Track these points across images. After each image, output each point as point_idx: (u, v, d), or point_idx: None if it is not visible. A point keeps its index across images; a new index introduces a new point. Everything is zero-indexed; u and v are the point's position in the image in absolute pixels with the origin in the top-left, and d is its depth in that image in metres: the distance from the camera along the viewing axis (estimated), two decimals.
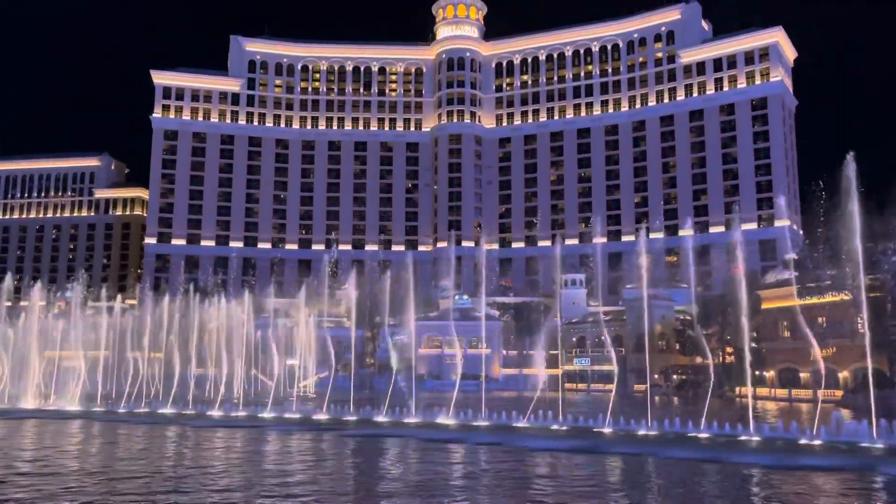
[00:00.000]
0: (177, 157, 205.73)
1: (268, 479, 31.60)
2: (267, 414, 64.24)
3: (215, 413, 65.44)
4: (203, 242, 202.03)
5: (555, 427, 50.70)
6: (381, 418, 58.63)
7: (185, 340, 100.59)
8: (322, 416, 61.76)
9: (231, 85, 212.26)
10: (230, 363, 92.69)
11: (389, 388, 66.59)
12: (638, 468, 36.11)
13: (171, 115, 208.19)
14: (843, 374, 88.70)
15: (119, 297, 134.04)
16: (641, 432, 47.37)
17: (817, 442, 41.26)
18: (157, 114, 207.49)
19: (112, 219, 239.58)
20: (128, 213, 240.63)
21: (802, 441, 41.87)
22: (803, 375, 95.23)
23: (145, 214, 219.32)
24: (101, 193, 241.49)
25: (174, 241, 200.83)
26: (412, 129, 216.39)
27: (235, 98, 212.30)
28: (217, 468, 35.23)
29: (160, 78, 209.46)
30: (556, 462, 38.07)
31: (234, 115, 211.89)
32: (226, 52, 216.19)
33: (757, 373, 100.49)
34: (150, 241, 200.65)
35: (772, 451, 39.85)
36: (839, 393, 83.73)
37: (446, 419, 55.85)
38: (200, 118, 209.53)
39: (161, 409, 70.18)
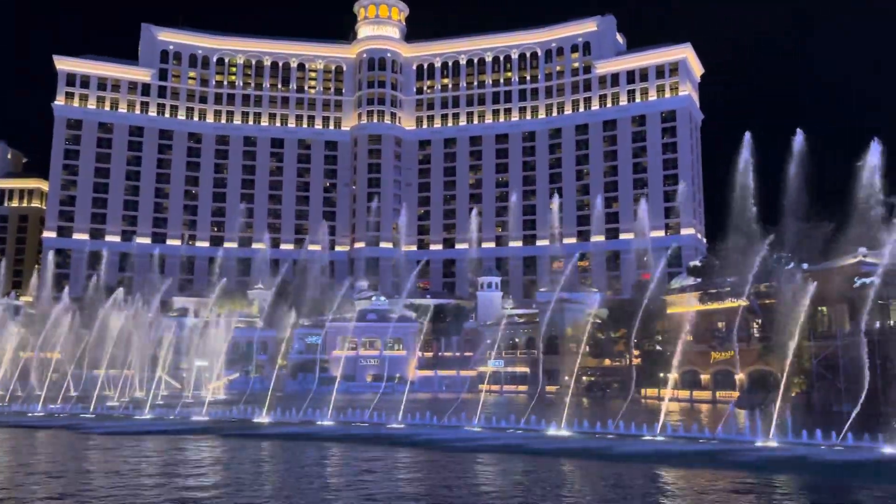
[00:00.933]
0: (80, 147, 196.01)
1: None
2: (147, 416, 62.54)
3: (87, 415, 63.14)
4: (108, 238, 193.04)
5: (424, 424, 52.58)
6: (262, 419, 58.35)
7: (81, 340, 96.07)
8: (203, 417, 60.75)
9: (141, 75, 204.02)
10: (132, 364, 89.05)
11: (309, 389, 65.70)
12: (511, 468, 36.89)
13: (76, 104, 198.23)
14: (740, 377, 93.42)
15: (13, 293, 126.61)
16: (552, 433, 48.45)
17: (714, 441, 43.35)
18: (59, 101, 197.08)
19: (7, 210, 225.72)
20: (25, 204, 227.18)
21: (701, 440, 43.95)
22: (704, 377, 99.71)
23: (44, 207, 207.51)
24: None
25: (76, 236, 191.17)
26: (331, 127, 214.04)
27: (146, 89, 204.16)
28: None
29: (64, 64, 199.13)
30: (347, 455, 38.58)
31: (144, 106, 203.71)
32: (136, 40, 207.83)
33: (661, 375, 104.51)
34: (50, 234, 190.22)
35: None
36: (735, 394, 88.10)
37: (326, 420, 56.96)
38: (107, 108, 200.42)
39: (34, 412, 66.86)
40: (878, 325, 72.74)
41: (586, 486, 32.08)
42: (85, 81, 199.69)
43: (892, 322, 71.83)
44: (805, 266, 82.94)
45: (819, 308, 79.70)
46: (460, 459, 39.69)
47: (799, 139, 67.92)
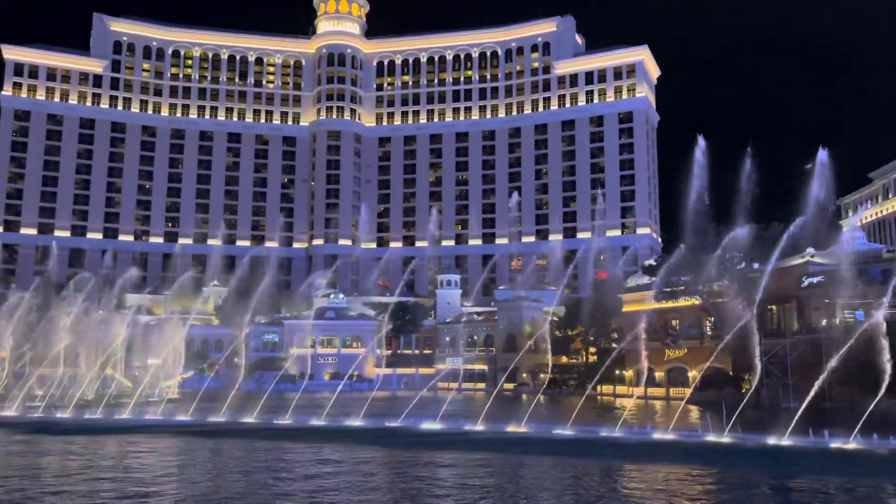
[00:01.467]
0: (29, 139, 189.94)
1: None
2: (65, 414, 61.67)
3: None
4: (57, 232, 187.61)
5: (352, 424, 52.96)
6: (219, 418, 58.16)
7: (29, 338, 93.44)
8: (126, 415, 60.35)
9: (93, 66, 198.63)
10: (81, 362, 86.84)
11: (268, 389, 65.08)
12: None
13: (24, 95, 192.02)
14: (693, 374, 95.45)
15: None
16: (510, 429, 48.86)
17: (669, 437, 44.32)
18: (6, 91, 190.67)
19: None
20: None
21: (656, 436, 44.91)
22: (658, 374, 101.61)
23: None
24: None
25: (24, 231, 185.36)
26: (290, 122, 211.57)
27: (98, 80, 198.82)
28: None
29: (12, 53, 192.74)
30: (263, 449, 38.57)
31: (96, 98, 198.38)
32: (88, 30, 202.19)
33: (617, 372, 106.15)
34: None
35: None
36: (688, 391, 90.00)
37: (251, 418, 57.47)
38: (57, 99, 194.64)
39: None
40: (824, 322, 75.15)
41: (547, 482, 32.47)
42: (34, 71, 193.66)
43: (837, 320, 74.24)
44: (756, 266, 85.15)
45: (769, 307, 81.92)
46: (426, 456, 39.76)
47: (748, 150, 69.74)
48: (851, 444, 39.49)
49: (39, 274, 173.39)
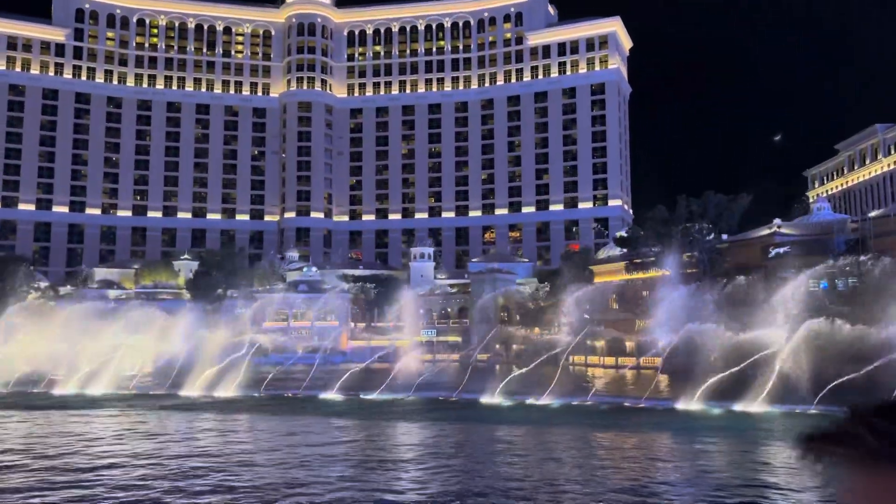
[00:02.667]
0: None
1: None
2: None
3: None
4: (21, 206, 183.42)
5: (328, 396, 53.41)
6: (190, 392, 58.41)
7: None
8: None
9: (55, 35, 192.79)
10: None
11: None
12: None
13: None
14: (663, 344, 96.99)
15: None
16: (484, 400, 49.50)
17: (641, 405, 45.27)
18: None
19: None
20: None
21: (627, 404, 45.89)
22: (629, 344, 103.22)
23: None
24: None
25: None
26: (259, 93, 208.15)
27: (60, 49, 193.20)
28: None
29: None
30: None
31: (59, 67, 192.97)
32: None
33: (588, 342, 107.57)
34: None
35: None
36: (657, 360, 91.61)
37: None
38: (18, 69, 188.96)
39: None
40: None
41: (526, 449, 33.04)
42: None
43: (802, 290, 75.82)
44: (724, 237, 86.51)
45: (736, 277, 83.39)
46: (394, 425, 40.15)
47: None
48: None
49: (3, 249, 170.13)
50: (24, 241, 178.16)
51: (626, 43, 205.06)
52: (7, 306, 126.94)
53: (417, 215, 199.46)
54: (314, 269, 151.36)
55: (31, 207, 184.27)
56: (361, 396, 53.11)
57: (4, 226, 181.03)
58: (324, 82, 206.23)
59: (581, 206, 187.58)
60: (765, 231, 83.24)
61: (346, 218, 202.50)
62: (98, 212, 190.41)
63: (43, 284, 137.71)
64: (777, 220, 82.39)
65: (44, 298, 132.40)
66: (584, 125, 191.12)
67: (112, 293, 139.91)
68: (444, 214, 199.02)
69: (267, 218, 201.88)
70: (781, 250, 79.66)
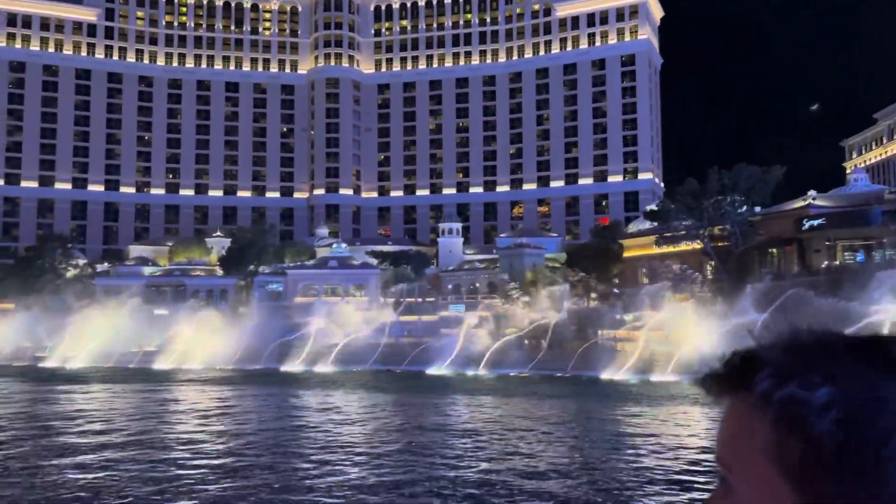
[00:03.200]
0: (25, 91, 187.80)
1: None
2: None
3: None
4: (58, 185, 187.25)
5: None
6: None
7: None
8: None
9: (86, 14, 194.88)
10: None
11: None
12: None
13: (18, 45, 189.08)
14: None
15: None
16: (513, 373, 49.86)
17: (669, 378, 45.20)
18: (0, 43, 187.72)
19: None
20: None
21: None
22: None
23: None
24: None
25: (24, 184, 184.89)
26: (287, 70, 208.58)
27: (92, 29, 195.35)
28: None
29: (4, 3, 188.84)
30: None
31: (91, 48, 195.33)
32: None
33: (618, 317, 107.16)
34: None
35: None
36: None
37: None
38: (52, 49, 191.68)
39: None
40: (825, 265, 75.50)
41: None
42: (27, 21, 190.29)
43: (838, 262, 74.58)
44: (757, 209, 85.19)
45: (769, 250, 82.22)
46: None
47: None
48: None
49: (42, 227, 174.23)
50: (62, 220, 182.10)
51: (657, 13, 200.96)
52: (47, 283, 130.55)
53: (445, 191, 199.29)
54: (344, 245, 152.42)
55: (68, 186, 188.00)
56: (392, 369, 53.77)
57: (42, 205, 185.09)
58: (351, 58, 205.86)
59: (611, 179, 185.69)
60: (799, 203, 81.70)
61: (374, 194, 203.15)
62: (132, 190, 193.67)
63: (81, 261, 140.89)
64: (812, 192, 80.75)
65: (82, 275, 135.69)
66: (614, 97, 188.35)
67: (147, 270, 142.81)
68: (473, 189, 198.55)
69: (296, 195, 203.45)
70: (816, 222, 78.17)
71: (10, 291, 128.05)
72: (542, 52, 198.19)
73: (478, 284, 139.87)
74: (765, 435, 1.03)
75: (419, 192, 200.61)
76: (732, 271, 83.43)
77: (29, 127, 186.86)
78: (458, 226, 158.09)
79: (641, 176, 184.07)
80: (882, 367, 1.00)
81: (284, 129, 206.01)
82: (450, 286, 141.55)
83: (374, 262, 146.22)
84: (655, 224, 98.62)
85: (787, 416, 1.00)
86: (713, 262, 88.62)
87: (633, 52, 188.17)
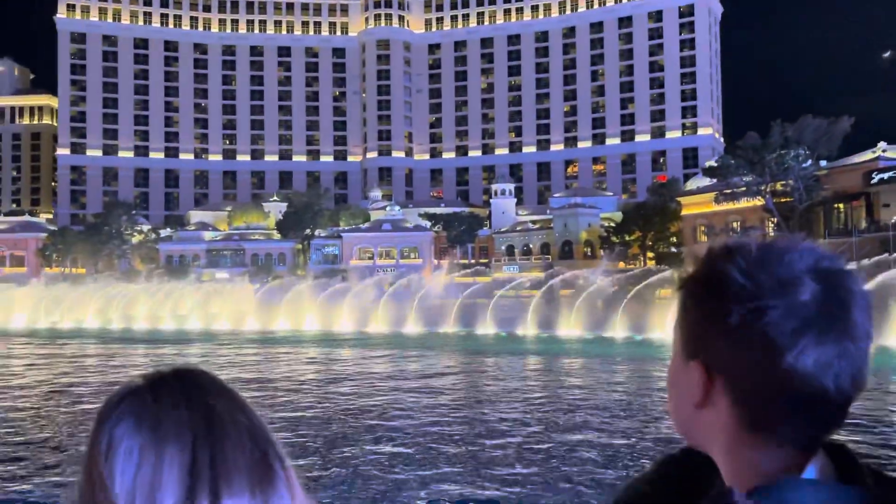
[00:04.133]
0: (86, 61, 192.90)
1: None
2: None
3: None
4: (121, 153, 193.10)
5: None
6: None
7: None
8: None
9: None
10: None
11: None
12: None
13: (77, 16, 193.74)
14: None
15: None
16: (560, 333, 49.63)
17: None
18: (61, 14, 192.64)
19: (20, 128, 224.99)
20: (36, 122, 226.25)
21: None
22: None
23: (55, 124, 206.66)
24: (6, 101, 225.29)
25: (89, 153, 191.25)
26: (338, 33, 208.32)
27: None
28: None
29: None
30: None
31: (147, 16, 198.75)
32: None
33: (676, 276, 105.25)
34: (63, 152, 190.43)
35: None
36: None
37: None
38: (110, 20, 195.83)
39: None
40: (894, 220, 72.22)
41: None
42: None
43: None
44: (823, 163, 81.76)
45: (835, 205, 79.05)
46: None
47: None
48: None
49: (107, 195, 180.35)
50: (126, 187, 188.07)
51: None
52: (115, 248, 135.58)
53: (498, 151, 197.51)
54: (397, 207, 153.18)
55: (130, 154, 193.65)
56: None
57: (107, 173, 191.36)
58: (401, 18, 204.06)
59: (669, 135, 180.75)
60: (868, 155, 78.00)
61: (426, 156, 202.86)
62: (191, 157, 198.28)
63: (145, 227, 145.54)
64: (882, 144, 76.88)
65: (146, 241, 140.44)
66: (672, 50, 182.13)
67: (207, 234, 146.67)
68: (525, 149, 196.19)
69: (350, 159, 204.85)
70: (886, 175, 74.56)
71: (80, 257, 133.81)
72: (596, 6, 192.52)
73: (531, 245, 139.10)
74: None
75: (471, 153, 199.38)
76: (795, 228, 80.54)
77: (92, 97, 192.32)
78: (510, 186, 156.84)
79: (700, 131, 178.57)
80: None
81: (337, 93, 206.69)
82: (503, 247, 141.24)
83: (427, 224, 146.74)
84: (715, 181, 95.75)
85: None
86: (775, 219, 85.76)
87: (692, 1, 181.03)
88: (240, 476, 1.10)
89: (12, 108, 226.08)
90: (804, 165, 78.46)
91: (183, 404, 1.13)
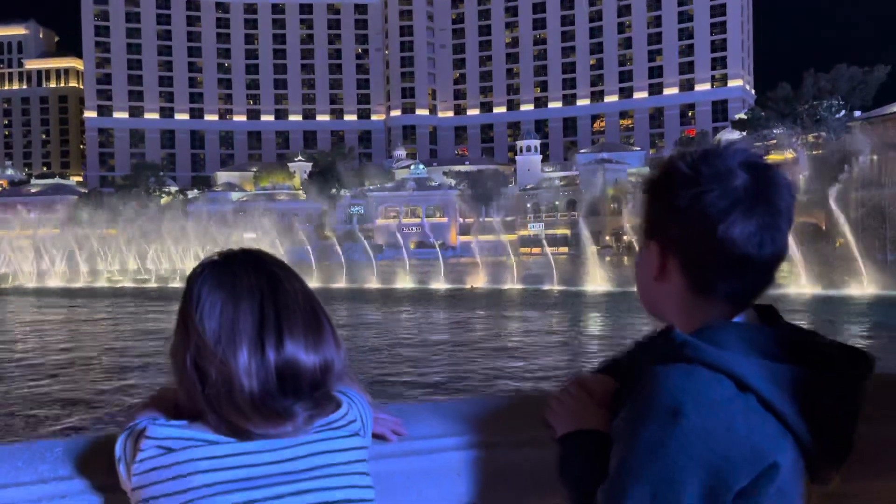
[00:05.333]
0: (110, 23, 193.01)
1: None
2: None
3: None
4: (147, 115, 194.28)
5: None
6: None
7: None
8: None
9: None
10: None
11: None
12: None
13: None
14: None
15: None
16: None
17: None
18: None
19: (47, 91, 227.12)
20: (62, 84, 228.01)
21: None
22: None
23: (81, 86, 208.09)
24: (32, 64, 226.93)
25: (116, 115, 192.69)
26: None
27: None
28: None
29: None
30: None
31: None
32: None
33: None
34: (91, 114, 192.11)
35: None
36: None
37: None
38: None
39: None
40: None
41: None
42: None
43: None
44: (857, 114, 79.65)
45: (869, 156, 77.17)
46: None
47: None
48: None
49: (134, 157, 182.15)
50: (153, 149, 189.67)
51: None
52: (144, 210, 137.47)
53: (523, 107, 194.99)
54: (421, 166, 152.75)
55: (156, 116, 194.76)
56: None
57: (134, 135, 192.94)
58: None
59: (698, 88, 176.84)
60: None
61: (450, 113, 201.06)
62: (216, 118, 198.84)
63: (173, 189, 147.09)
64: None
65: (174, 202, 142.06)
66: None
67: (234, 195, 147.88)
68: (551, 105, 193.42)
69: (374, 117, 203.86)
70: None
71: (110, 218, 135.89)
72: None
73: (557, 202, 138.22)
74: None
75: (496, 110, 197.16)
76: (827, 181, 78.98)
77: (116, 59, 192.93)
78: (536, 142, 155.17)
79: (731, 83, 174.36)
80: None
81: (359, 51, 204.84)
82: (528, 205, 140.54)
83: (452, 182, 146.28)
84: (744, 133, 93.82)
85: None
86: (805, 173, 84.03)
87: None
88: (297, 325, 1.50)
89: (39, 72, 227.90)
90: (837, 116, 76.48)
91: (252, 270, 1.54)
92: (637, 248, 1.66)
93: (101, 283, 72.56)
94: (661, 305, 1.55)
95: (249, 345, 1.47)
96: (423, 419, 1.86)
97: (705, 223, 1.40)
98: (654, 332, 1.52)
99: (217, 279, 1.53)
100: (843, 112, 76.50)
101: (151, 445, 1.46)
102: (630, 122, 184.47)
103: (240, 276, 1.53)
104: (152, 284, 68.93)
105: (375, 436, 1.76)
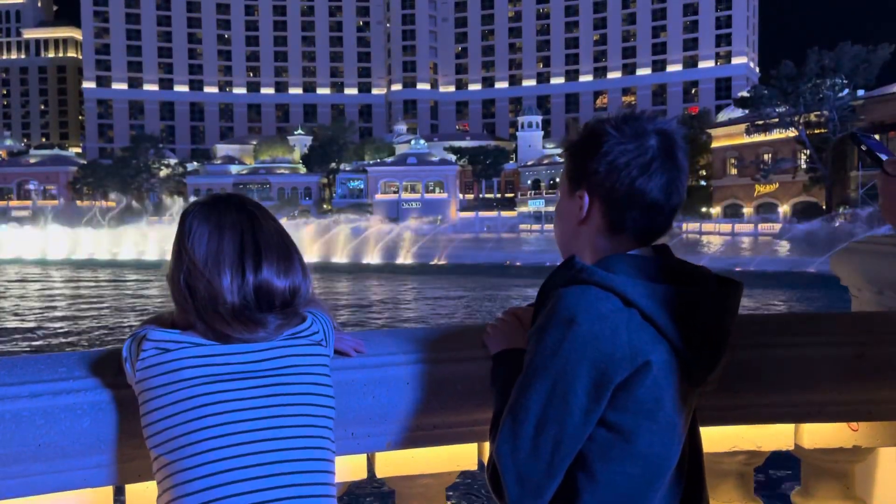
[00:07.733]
0: None
1: None
2: None
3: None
4: (146, 86, 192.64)
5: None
6: None
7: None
8: None
9: None
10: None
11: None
12: None
13: None
14: (784, 209, 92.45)
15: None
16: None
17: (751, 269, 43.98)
18: None
19: (45, 61, 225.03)
20: (61, 54, 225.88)
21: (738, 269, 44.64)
22: (746, 210, 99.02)
23: (80, 56, 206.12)
24: (31, 33, 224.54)
25: (115, 86, 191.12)
26: None
27: None
28: None
29: None
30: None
31: None
32: None
33: (704, 209, 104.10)
34: (89, 85, 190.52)
35: None
36: (777, 226, 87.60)
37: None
38: None
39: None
40: None
41: None
42: None
43: None
44: (860, 93, 79.09)
45: (873, 135, 76.66)
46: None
47: None
48: None
49: (133, 128, 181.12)
50: (152, 121, 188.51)
51: None
52: (144, 182, 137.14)
53: (525, 82, 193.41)
54: (422, 141, 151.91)
55: (155, 88, 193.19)
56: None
57: (133, 106, 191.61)
58: None
59: (702, 65, 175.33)
60: None
61: (451, 88, 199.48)
62: (215, 90, 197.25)
63: (172, 161, 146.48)
64: None
65: (174, 174, 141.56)
66: None
67: (234, 168, 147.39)
68: (553, 80, 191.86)
69: (374, 91, 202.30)
70: None
71: (110, 190, 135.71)
72: None
73: (558, 179, 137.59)
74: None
75: (498, 85, 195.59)
76: (828, 160, 78.72)
77: (115, 28, 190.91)
78: (537, 119, 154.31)
79: (735, 60, 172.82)
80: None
81: (360, 23, 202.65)
82: (529, 181, 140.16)
83: (453, 157, 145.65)
84: (747, 112, 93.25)
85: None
86: (807, 151, 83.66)
87: None
88: (272, 255, 1.87)
89: (37, 41, 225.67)
90: (840, 95, 75.83)
91: (234, 209, 1.90)
92: (559, 198, 1.96)
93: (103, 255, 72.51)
94: (578, 247, 1.87)
95: (232, 268, 1.83)
96: (380, 342, 2.26)
97: (629, 173, 1.75)
98: (563, 263, 1.82)
99: (205, 214, 1.89)
100: (845, 91, 75.89)
101: (151, 347, 1.82)
102: (633, 98, 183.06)
103: (224, 213, 1.89)
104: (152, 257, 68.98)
105: (339, 352, 2.14)
